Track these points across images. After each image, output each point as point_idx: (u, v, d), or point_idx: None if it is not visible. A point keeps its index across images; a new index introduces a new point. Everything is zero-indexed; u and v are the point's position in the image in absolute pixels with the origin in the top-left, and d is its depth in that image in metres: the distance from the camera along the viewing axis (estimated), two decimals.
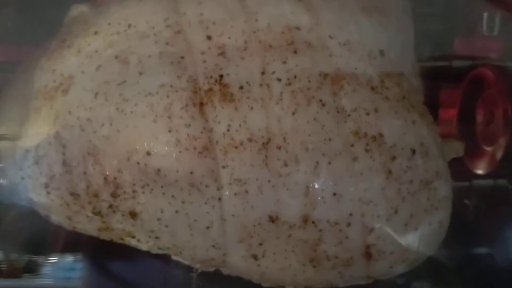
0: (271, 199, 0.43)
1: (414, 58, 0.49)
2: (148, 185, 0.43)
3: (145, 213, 0.44)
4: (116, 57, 0.45)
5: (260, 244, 0.45)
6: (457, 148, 0.50)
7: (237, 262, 0.46)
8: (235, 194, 0.43)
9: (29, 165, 0.45)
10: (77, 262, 0.54)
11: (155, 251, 0.47)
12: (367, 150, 0.43)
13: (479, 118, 0.61)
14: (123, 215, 0.45)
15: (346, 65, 0.44)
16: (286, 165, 0.42)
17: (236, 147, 0.42)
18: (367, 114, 0.44)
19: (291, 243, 0.44)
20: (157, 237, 0.45)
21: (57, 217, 0.47)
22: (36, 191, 0.45)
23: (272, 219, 0.43)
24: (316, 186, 0.43)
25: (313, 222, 0.43)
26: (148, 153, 0.42)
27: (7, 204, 0.54)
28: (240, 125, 0.43)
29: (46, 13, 0.51)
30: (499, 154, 0.58)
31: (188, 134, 0.42)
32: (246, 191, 0.43)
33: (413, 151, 0.44)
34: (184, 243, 0.45)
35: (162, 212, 0.44)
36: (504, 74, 0.58)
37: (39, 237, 0.56)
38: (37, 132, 0.45)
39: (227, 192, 0.43)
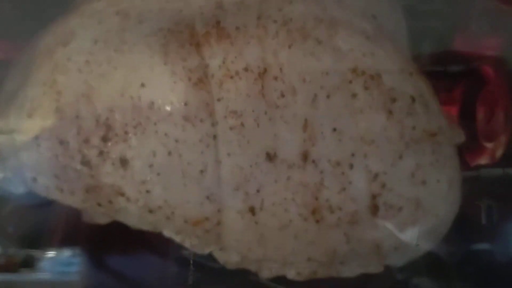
0: (268, 133, 0.42)
1: (407, 42, 0.48)
2: (140, 124, 0.42)
3: (136, 160, 0.42)
4: (117, 13, 0.45)
5: (258, 191, 0.42)
6: (458, 133, 0.49)
7: (234, 222, 0.43)
8: (231, 128, 0.41)
9: (23, 118, 0.44)
10: (74, 257, 0.54)
11: (145, 217, 0.43)
12: (366, 88, 0.42)
13: (479, 115, 0.61)
14: (113, 164, 0.42)
15: (341, 15, 0.44)
16: (283, 96, 0.42)
17: (231, 77, 0.42)
18: (364, 55, 0.43)
19: (291, 188, 0.42)
20: (148, 191, 0.42)
21: (44, 178, 0.44)
22: (27, 146, 0.44)
23: (270, 157, 0.41)
24: (315, 120, 0.41)
25: (313, 161, 0.41)
26: (143, 85, 0.42)
27: (5, 198, 0.54)
28: (235, 57, 0.42)
29: (44, 9, 0.51)
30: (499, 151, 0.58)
31: (183, 67, 0.42)
32: (242, 124, 0.41)
33: (413, 99, 0.43)
34: (176, 197, 0.42)
35: (154, 155, 0.42)
36: (504, 71, 0.58)
37: (37, 232, 0.56)
38: (35, 85, 0.44)
39: (222, 127, 0.41)
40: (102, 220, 0.46)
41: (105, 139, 0.42)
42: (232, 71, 0.42)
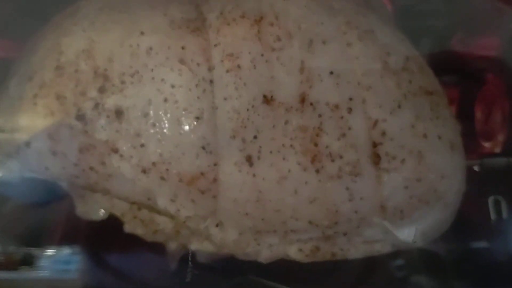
0: (265, 76, 0.41)
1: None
2: (138, 72, 0.41)
3: (131, 110, 0.41)
4: None
5: (255, 138, 0.40)
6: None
7: (230, 176, 0.41)
8: (227, 71, 0.41)
9: (23, 83, 0.43)
10: (74, 255, 0.54)
11: (139, 181, 0.41)
12: (360, 39, 0.43)
13: (477, 114, 0.61)
14: (108, 116, 0.41)
15: None
16: (279, 39, 0.42)
17: (228, 24, 0.42)
18: (356, 14, 0.44)
19: (289, 133, 0.41)
20: (142, 145, 0.41)
21: (38, 141, 0.42)
22: (23, 108, 0.43)
23: (267, 100, 0.41)
24: (312, 63, 0.41)
25: (311, 104, 0.41)
26: (142, 33, 0.42)
27: (5, 197, 0.54)
28: (233, 7, 0.43)
29: (45, 9, 0.51)
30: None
31: (182, 17, 0.43)
32: (239, 66, 0.41)
33: (407, 58, 0.43)
34: (171, 149, 0.40)
35: (150, 104, 0.41)
36: (502, 71, 0.58)
37: (36, 230, 0.55)
38: (38, 52, 0.44)
39: (218, 72, 0.41)
40: (96, 215, 0.45)
41: (101, 90, 0.41)
42: (229, 19, 0.42)
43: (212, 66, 0.41)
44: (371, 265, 0.54)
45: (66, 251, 0.54)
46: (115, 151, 0.41)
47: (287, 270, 0.48)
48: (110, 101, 0.41)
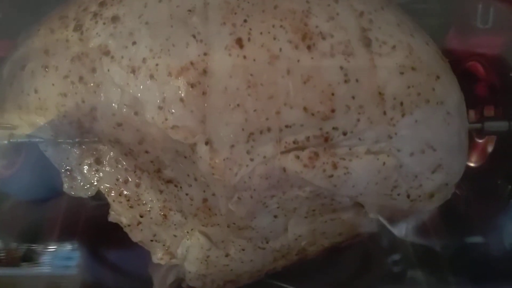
0: None
1: None
2: None
3: (128, 15, 0.41)
4: None
5: (245, 21, 0.39)
6: None
7: (221, 64, 0.39)
8: None
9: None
10: (74, 251, 0.54)
11: (128, 86, 0.39)
12: None
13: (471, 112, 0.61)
14: (104, 23, 0.41)
15: None
16: None
17: None
18: None
19: (279, 15, 0.40)
20: (134, 43, 0.40)
21: (34, 61, 0.42)
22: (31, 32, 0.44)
23: None
24: None
25: None
26: None
27: (5, 194, 0.54)
28: None
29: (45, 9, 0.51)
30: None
31: None
32: None
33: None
34: (162, 42, 0.39)
35: (145, 6, 0.40)
36: (497, 69, 0.58)
37: (37, 227, 0.55)
38: None
39: None
40: (83, 191, 0.44)
41: (102, 4, 0.42)
42: None
43: None
44: (368, 260, 0.55)
45: (66, 247, 0.54)
46: (107, 53, 0.40)
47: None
48: (109, 11, 0.41)
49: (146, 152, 0.41)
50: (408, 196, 0.42)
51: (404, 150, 0.40)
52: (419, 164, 0.41)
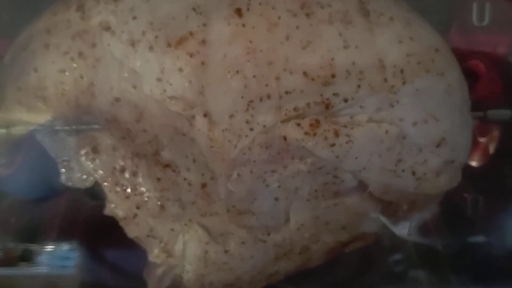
0: None
1: None
2: None
3: None
4: None
5: None
6: None
7: (220, 33, 0.39)
8: None
9: None
10: (72, 251, 0.54)
11: (127, 60, 0.40)
12: None
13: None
14: (106, 2, 0.41)
15: None
16: None
17: None
18: None
19: None
20: (134, 18, 0.40)
21: (36, 42, 0.43)
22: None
23: None
24: None
25: None
26: None
27: (3, 193, 0.53)
28: None
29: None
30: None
31: None
32: None
33: None
34: (162, 15, 0.40)
35: None
36: (497, 67, 0.58)
37: (35, 226, 0.55)
38: None
39: None
40: (80, 182, 0.44)
41: None
42: None
43: None
44: (369, 260, 0.54)
45: (65, 247, 0.54)
46: (107, 29, 0.40)
47: None
48: None
49: (144, 131, 0.41)
50: (414, 173, 0.41)
51: (407, 119, 0.40)
52: (423, 135, 0.40)
